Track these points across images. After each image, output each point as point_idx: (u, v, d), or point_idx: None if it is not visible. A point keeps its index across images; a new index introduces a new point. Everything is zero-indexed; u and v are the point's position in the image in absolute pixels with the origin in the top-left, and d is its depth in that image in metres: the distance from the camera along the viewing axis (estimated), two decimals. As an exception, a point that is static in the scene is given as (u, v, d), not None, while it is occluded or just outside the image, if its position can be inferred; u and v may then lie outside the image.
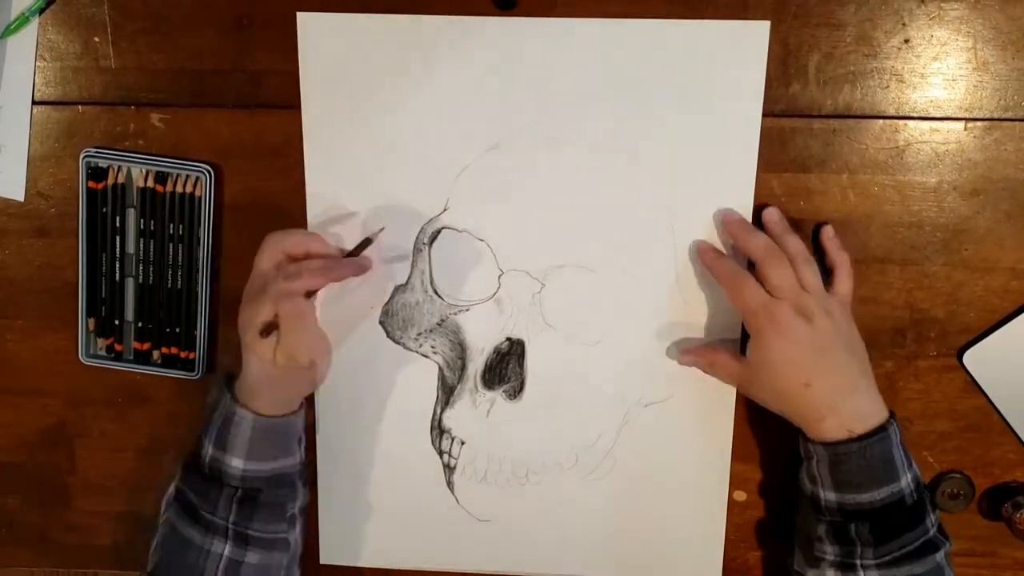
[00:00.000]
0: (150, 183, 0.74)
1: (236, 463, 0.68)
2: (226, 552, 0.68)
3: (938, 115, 0.70)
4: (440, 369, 0.76)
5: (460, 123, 0.71)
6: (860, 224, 0.71)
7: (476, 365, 0.75)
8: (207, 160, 0.74)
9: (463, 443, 0.77)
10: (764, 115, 0.70)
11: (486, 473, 0.77)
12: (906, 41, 0.69)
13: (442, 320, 0.75)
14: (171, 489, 0.71)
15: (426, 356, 0.76)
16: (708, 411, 0.75)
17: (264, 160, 0.74)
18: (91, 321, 0.77)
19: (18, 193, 0.76)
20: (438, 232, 0.74)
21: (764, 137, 0.70)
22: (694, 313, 0.73)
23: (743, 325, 0.72)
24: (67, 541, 0.83)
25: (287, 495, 0.71)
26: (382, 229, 0.72)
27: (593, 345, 0.74)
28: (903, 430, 0.66)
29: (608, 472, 0.77)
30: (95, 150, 0.74)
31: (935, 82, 0.69)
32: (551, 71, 0.70)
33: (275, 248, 0.68)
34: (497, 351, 0.75)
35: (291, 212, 0.74)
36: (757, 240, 0.68)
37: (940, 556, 0.65)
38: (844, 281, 0.69)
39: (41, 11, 0.73)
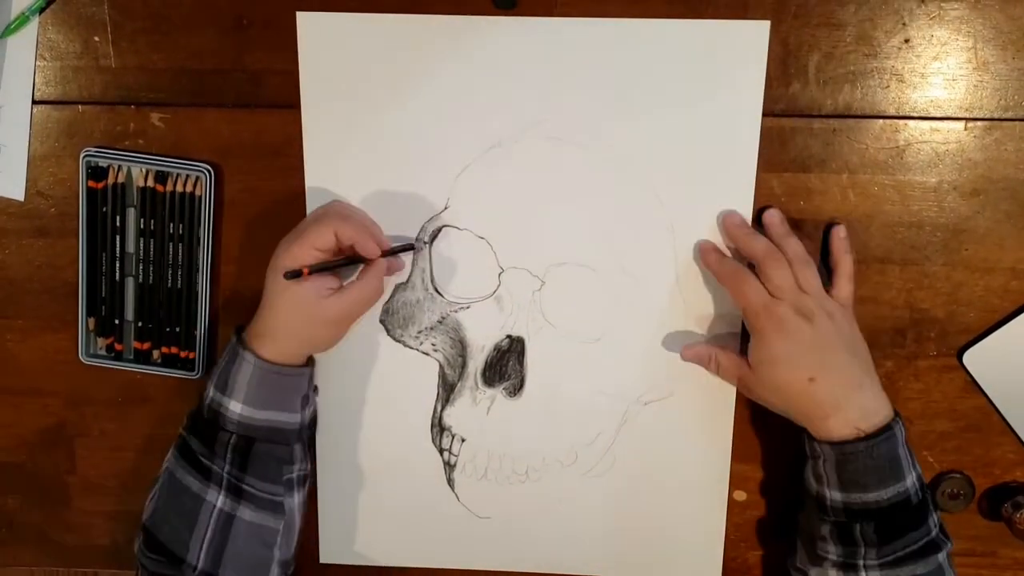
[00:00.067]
0: (150, 183, 0.74)
1: (234, 406, 0.68)
2: (220, 503, 0.68)
3: (938, 115, 0.70)
4: (440, 367, 0.76)
5: (460, 122, 0.71)
6: (860, 224, 0.71)
7: (476, 363, 0.75)
8: (207, 160, 0.74)
9: (463, 440, 0.77)
10: (764, 115, 0.70)
11: (486, 470, 0.77)
12: (906, 41, 0.69)
13: (442, 318, 0.75)
14: (175, 441, 0.72)
15: (426, 354, 0.76)
16: (708, 410, 0.75)
17: (264, 160, 0.74)
18: (91, 321, 0.77)
19: (18, 193, 0.76)
20: (439, 230, 0.74)
21: (764, 137, 0.70)
22: (694, 312, 0.73)
23: (743, 325, 0.72)
24: (67, 541, 0.83)
25: (283, 454, 0.70)
26: (426, 243, 0.73)
27: (593, 343, 0.74)
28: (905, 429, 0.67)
29: (608, 470, 0.77)
30: (95, 149, 0.74)
31: (935, 82, 0.69)
32: (551, 71, 0.70)
33: (334, 220, 0.68)
34: (497, 349, 0.75)
35: (291, 212, 0.74)
36: (757, 242, 0.68)
37: (942, 556, 0.65)
38: (844, 285, 0.69)
39: (41, 10, 0.73)
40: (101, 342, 0.78)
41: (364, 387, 0.77)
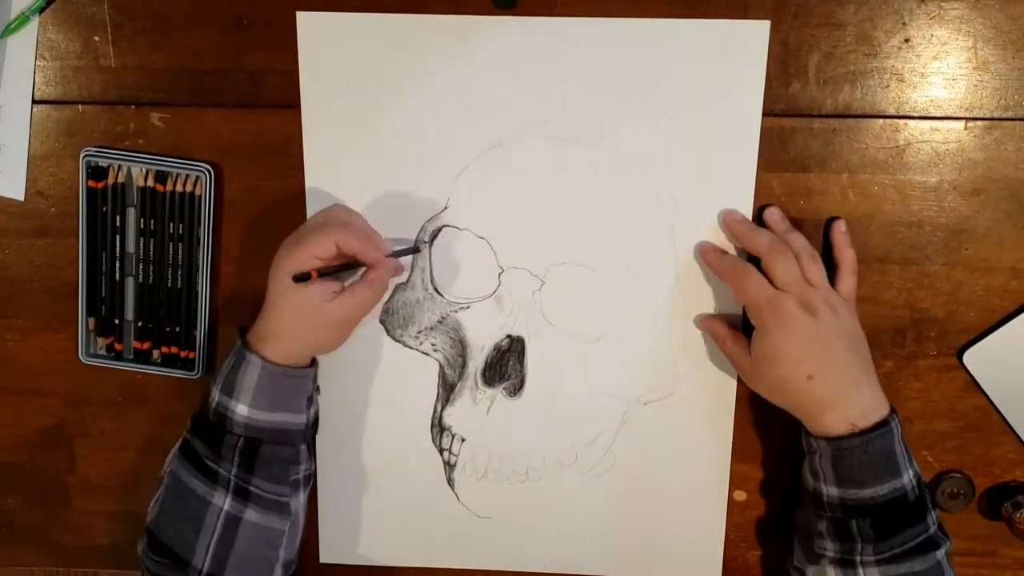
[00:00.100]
0: (150, 182, 0.74)
1: (241, 409, 0.68)
2: (226, 505, 0.68)
3: (938, 114, 0.70)
4: (440, 367, 0.76)
5: (460, 122, 0.71)
6: (860, 224, 0.71)
7: (476, 363, 0.75)
8: (207, 159, 0.74)
9: (463, 440, 0.77)
10: (764, 115, 0.70)
11: (486, 470, 0.77)
12: (906, 40, 0.69)
13: (442, 318, 0.75)
14: (178, 442, 0.71)
15: (426, 354, 0.76)
16: (708, 410, 0.75)
17: (264, 160, 0.74)
18: (91, 320, 0.77)
19: (18, 193, 0.76)
20: (439, 230, 0.74)
21: (764, 137, 0.70)
22: (694, 312, 0.73)
23: (744, 323, 0.72)
24: (67, 541, 0.83)
25: (289, 455, 0.70)
26: (427, 242, 0.73)
27: (593, 343, 0.74)
28: (904, 428, 0.67)
29: (608, 470, 0.77)
30: (95, 149, 0.74)
31: (935, 81, 0.69)
32: (551, 71, 0.70)
33: (335, 228, 0.68)
34: (497, 348, 0.75)
35: (291, 212, 0.74)
36: (761, 236, 0.68)
37: (940, 554, 0.65)
38: (848, 279, 0.69)
39: (41, 10, 0.73)
40: (101, 342, 0.78)
41: (364, 387, 0.77)
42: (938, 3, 0.68)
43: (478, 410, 0.76)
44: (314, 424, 0.74)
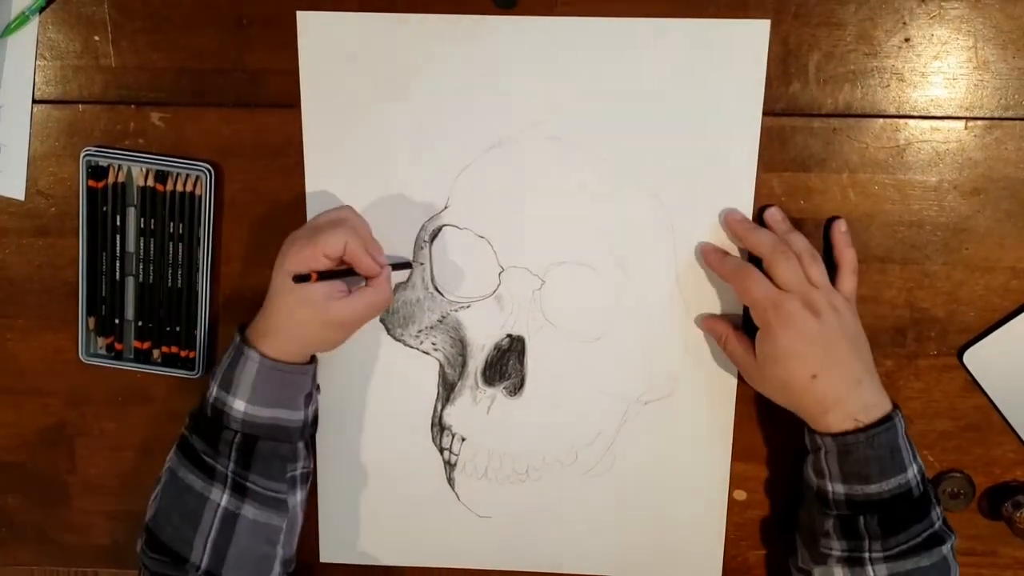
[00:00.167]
0: (150, 182, 0.74)
1: (238, 404, 0.68)
2: (223, 501, 0.68)
3: (939, 114, 0.70)
4: (441, 366, 0.76)
5: (461, 122, 0.71)
6: (860, 223, 0.71)
7: (476, 362, 0.75)
8: (207, 159, 0.74)
9: (464, 440, 0.77)
10: (764, 114, 0.70)
11: (486, 470, 0.77)
12: (906, 40, 0.69)
13: (443, 317, 0.75)
14: (177, 440, 0.71)
15: (427, 353, 0.76)
16: (708, 410, 0.75)
17: (264, 159, 0.74)
18: (91, 320, 0.77)
19: (18, 192, 0.76)
20: (439, 229, 0.74)
21: (764, 136, 0.70)
22: (694, 312, 0.73)
23: (745, 322, 0.72)
24: (67, 540, 0.83)
25: (287, 452, 0.70)
26: (422, 264, 0.73)
27: (593, 342, 0.74)
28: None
29: (608, 469, 0.77)
30: (95, 149, 0.74)
31: (936, 81, 0.69)
32: (551, 70, 0.70)
33: (347, 231, 0.68)
34: (497, 348, 0.75)
35: (291, 211, 0.74)
36: (763, 237, 0.68)
37: (946, 549, 0.65)
38: (848, 279, 0.69)
39: (41, 10, 0.73)
40: (101, 341, 0.78)
41: (364, 386, 0.77)
42: (938, 3, 0.68)
43: (478, 409, 0.76)
44: (313, 422, 0.74)
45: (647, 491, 0.77)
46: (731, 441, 0.75)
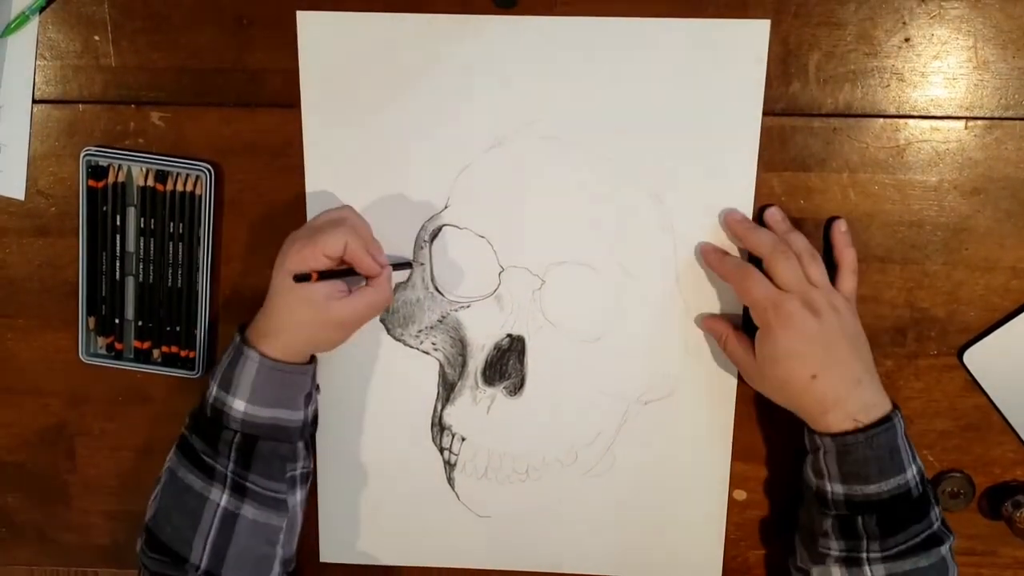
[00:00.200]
0: (150, 182, 0.74)
1: (238, 404, 0.68)
2: (223, 501, 0.68)
3: (939, 114, 0.70)
4: (441, 366, 0.76)
5: (461, 122, 0.71)
6: (860, 223, 0.71)
7: (477, 362, 0.75)
8: (207, 159, 0.74)
9: (464, 439, 0.77)
10: (764, 114, 0.70)
11: (486, 470, 0.77)
12: (906, 40, 0.69)
13: (443, 317, 0.75)
14: (177, 440, 0.71)
15: (427, 353, 0.76)
16: (708, 410, 0.75)
17: (264, 159, 0.74)
18: (91, 320, 0.77)
19: (18, 192, 0.76)
20: (439, 229, 0.74)
21: (764, 136, 0.70)
22: (694, 312, 0.73)
23: (745, 322, 0.72)
24: (67, 540, 0.83)
25: (287, 453, 0.70)
26: (422, 263, 0.73)
27: (593, 342, 0.74)
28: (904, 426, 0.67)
29: (608, 469, 0.77)
30: (95, 149, 0.74)
31: (936, 81, 0.69)
32: (551, 70, 0.70)
33: (348, 231, 0.68)
34: (497, 347, 0.75)
35: (291, 211, 0.74)
36: (763, 236, 0.68)
37: (945, 549, 0.65)
38: (848, 278, 0.69)
39: (41, 10, 0.73)
40: (101, 341, 0.78)
41: (364, 386, 0.77)
42: (938, 2, 0.68)
43: (478, 409, 0.76)
44: (313, 422, 0.74)
45: (647, 491, 0.77)
46: (731, 441, 0.75)
